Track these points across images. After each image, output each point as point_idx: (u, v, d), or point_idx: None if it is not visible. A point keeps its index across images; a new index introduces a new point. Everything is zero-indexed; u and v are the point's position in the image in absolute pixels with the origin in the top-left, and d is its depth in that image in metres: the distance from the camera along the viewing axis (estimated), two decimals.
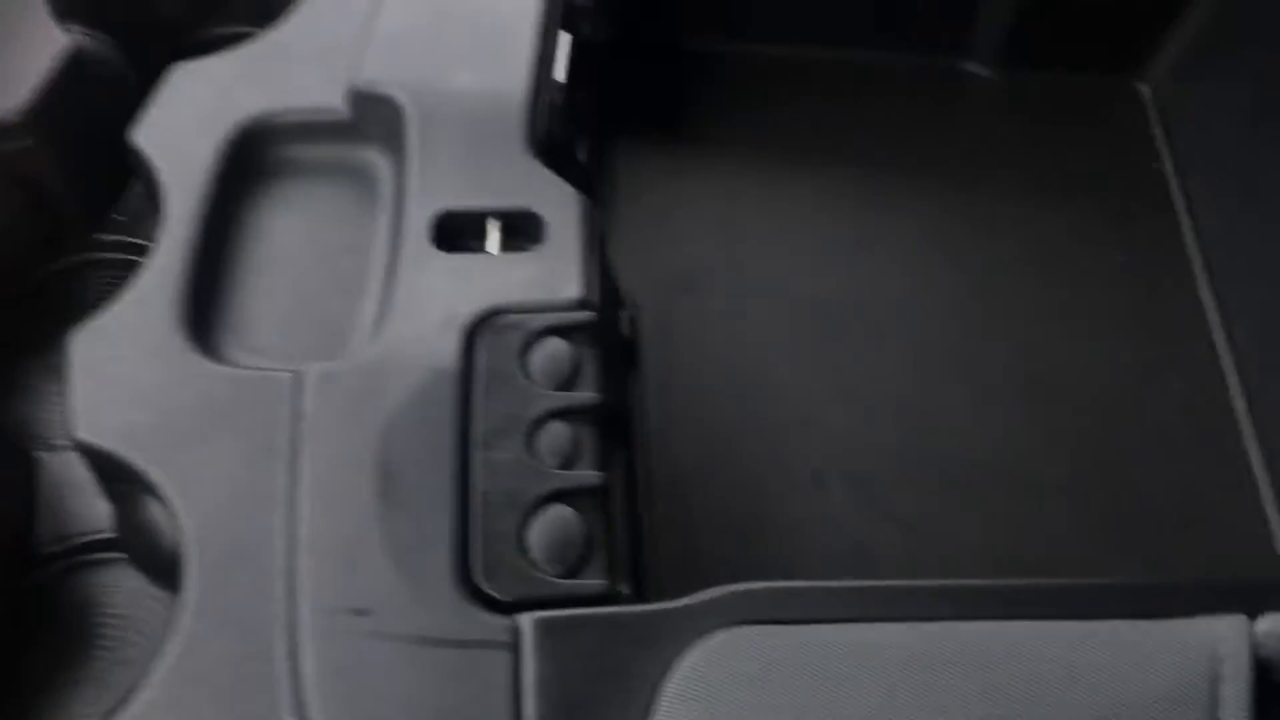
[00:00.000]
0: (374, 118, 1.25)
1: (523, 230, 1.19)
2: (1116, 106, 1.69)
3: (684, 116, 1.66)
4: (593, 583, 0.95)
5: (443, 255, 1.14)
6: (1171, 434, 1.41)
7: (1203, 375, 1.45)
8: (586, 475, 1.00)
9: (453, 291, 1.11)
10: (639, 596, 1.20)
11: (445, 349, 1.07)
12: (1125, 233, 1.58)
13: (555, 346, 1.08)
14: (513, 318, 1.10)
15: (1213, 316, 1.48)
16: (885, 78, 1.70)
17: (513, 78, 1.25)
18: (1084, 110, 1.70)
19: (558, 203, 1.18)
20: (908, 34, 1.70)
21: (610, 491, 1.01)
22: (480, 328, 1.09)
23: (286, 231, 1.25)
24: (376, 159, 1.28)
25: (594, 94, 1.51)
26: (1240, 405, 1.42)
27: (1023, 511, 1.33)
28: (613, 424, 1.24)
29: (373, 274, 1.20)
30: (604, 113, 1.59)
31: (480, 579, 0.94)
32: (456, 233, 1.18)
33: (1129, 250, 1.56)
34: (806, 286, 1.50)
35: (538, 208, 1.17)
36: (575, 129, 1.38)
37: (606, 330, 1.13)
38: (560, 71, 1.31)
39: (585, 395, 1.05)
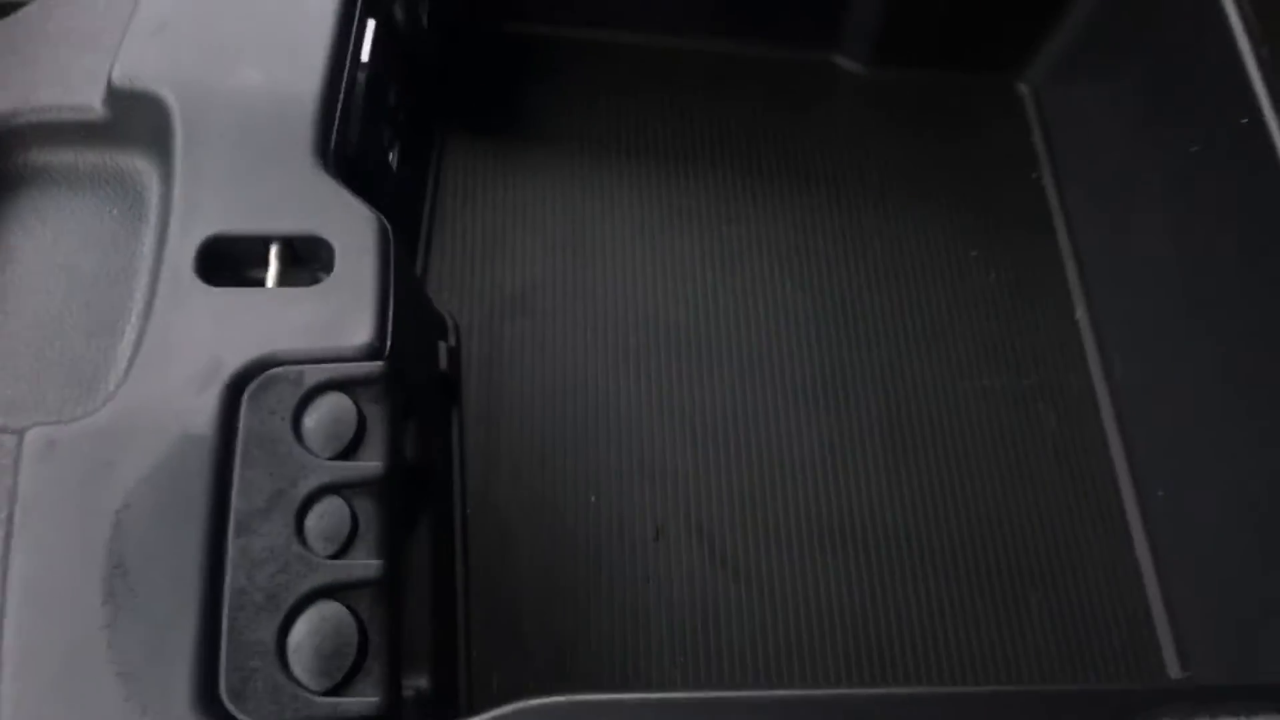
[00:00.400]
0: (136, 119, 1.07)
1: (308, 259, 1.04)
2: (994, 108, 1.59)
3: (523, 113, 1.51)
4: (364, 701, 0.82)
5: (209, 290, 0.98)
6: (1042, 478, 1.32)
7: (1076, 409, 1.37)
8: (363, 565, 0.86)
9: (217, 336, 0.96)
10: (444, 695, 1.08)
11: (201, 409, 0.91)
12: (1000, 248, 1.48)
13: (336, 405, 0.94)
14: (287, 369, 0.94)
15: (1089, 343, 1.41)
16: (747, 71, 1.57)
17: (304, 75, 1.09)
18: (960, 111, 1.60)
19: (350, 227, 1.02)
20: (772, 24, 1.56)
21: (394, 582, 0.88)
22: (247, 382, 0.94)
23: (31, 255, 1.07)
24: (143, 167, 1.11)
25: (414, 89, 1.36)
26: (1115, 444, 1.34)
27: (879, 568, 1.24)
28: (413, 486, 1.11)
29: (134, 310, 1.05)
30: (428, 110, 1.43)
31: (228, 701, 0.80)
32: (228, 262, 1.02)
33: (1003, 268, 1.47)
34: (654, 309, 1.37)
35: (326, 232, 1.02)
36: (386, 132, 1.23)
37: (403, 380, 0.99)
38: (363, 63, 1.15)
39: (368, 465, 0.91)
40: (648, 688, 1.13)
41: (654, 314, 1.36)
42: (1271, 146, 1.14)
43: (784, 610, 1.19)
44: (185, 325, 0.96)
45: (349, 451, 0.92)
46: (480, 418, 1.25)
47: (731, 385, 1.32)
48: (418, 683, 1.00)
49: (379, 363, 0.95)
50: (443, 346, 1.23)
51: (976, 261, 1.46)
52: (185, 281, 0.99)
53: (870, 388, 1.34)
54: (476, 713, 1.09)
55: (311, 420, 0.93)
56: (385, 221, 1.04)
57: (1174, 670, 1.20)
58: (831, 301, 1.39)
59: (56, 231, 1.09)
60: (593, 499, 1.23)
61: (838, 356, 1.35)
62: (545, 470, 1.23)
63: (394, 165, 1.25)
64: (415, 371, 1.14)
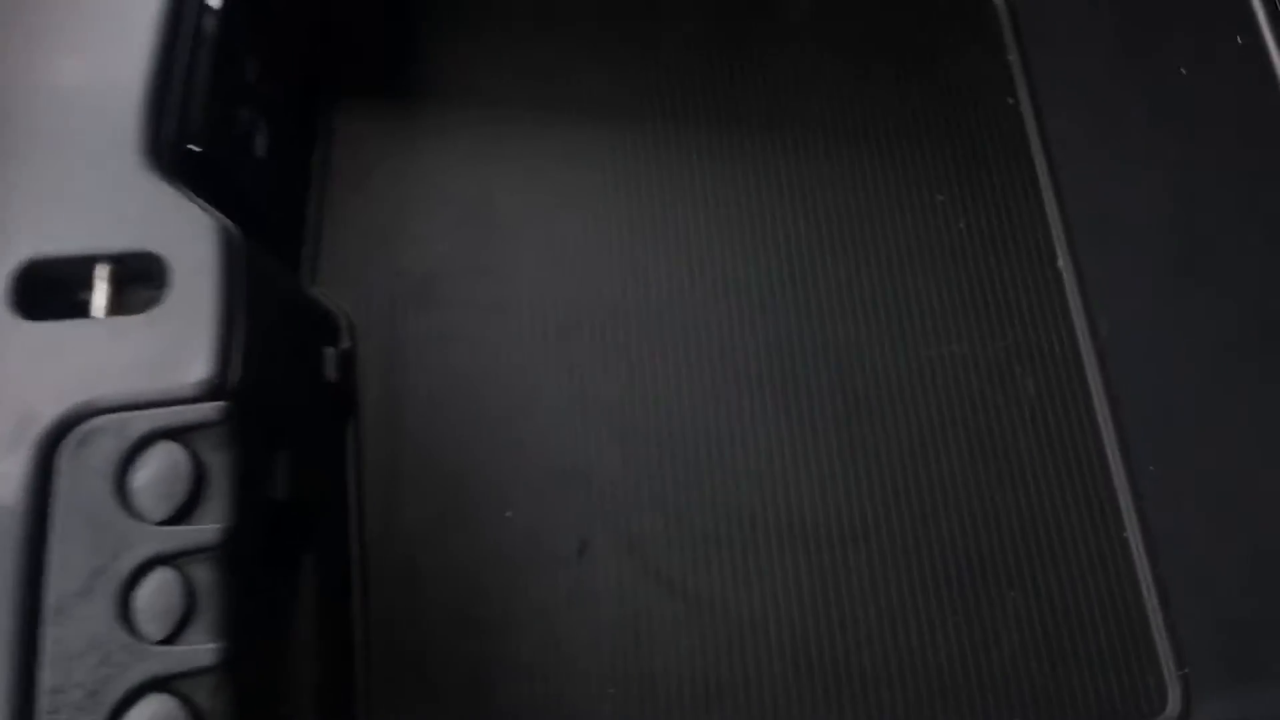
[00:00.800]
0: None
1: (143, 280, 0.93)
2: (963, 25, 1.42)
3: (422, 71, 1.36)
4: None
5: (24, 325, 0.87)
6: (1020, 454, 1.19)
7: (1058, 374, 1.23)
8: (200, 650, 0.77)
9: (32, 381, 0.85)
10: None
11: (9, 475, 0.82)
12: (971, 191, 1.32)
13: (168, 457, 0.84)
14: (110, 418, 0.85)
15: (1073, 297, 1.26)
16: (677, 3, 1.39)
17: (129, 58, 0.96)
18: (923, 31, 1.42)
19: (188, 239, 0.91)
20: None
21: (239, 665, 0.79)
22: (64, 436, 0.84)
23: None
24: None
25: (285, 56, 1.22)
26: (1102, 413, 1.21)
27: (832, 572, 1.13)
28: (290, 527, 1.02)
29: None
30: (308, 78, 1.29)
31: None
32: (50, 289, 0.91)
33: (974, 213, 1.31)
34: (575, 289, 1.24)
35: (159, 247, 0.91)
36: (244, 114, 1.10)
37: (258, 415, 0.89)
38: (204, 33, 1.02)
39: (205, 529, 0.81)
40: None
41: (575, 295, 1.23)
42: (1271, 67, 1.00)
43: (725, 626, 1.09)
44: None
45: (185, 513, 0.82)
46: (380, 429, 1.14)
47: (665, 373, 1.20)
48: None
49: (220, 403, 0.85)
50: (332, 353, 1.12)
51: (944, 207, 1.31)
52: None
53: (823, 364, 1.21)
54: None
55: (140, 478, 0.82)
56: (232, 227, 0.93)
57: (1169, 668, 1.10)
58: (778, 266, 1.25)
59: None
60: (508, 514, 1.13)
61: (786, 330, 1.22)
62: (454, 484, 1.13)
63: (260, 151, 1.12)
64: (288, 393, 1.03)
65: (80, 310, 0.89)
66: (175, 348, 0.85)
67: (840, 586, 1.11)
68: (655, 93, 1.35)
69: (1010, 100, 1.37)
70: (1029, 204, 1.31)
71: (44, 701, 0.73)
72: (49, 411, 0.82)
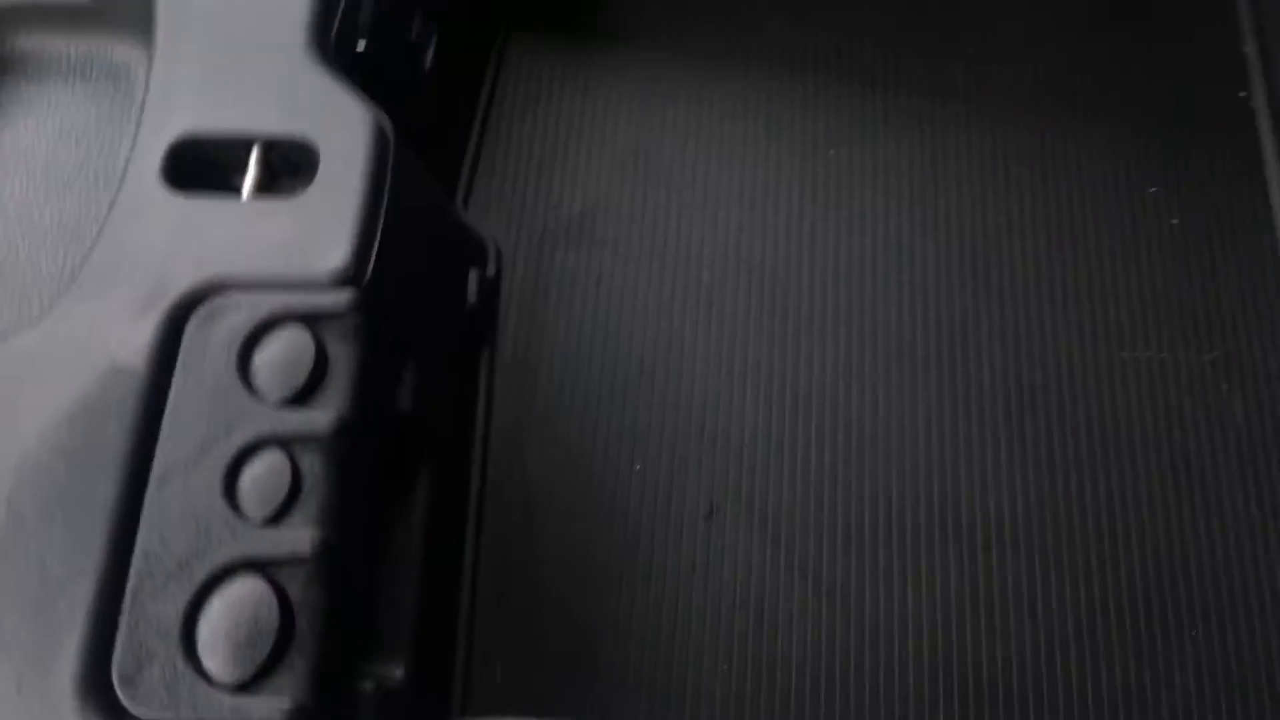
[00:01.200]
0: (122, 2, 1.00)
1: (295, 166, 0.93)
2: (1199, 6, 1.30)
3: (601, 6, 1.34)
4: (276, 703, 0.72)
5: (172, 198, 0.89)
6: (1218, 482, 1.08)
7: (1272, 397, 1.11)
8: (298, 537, 0.76)
9: (171, 251, 0.86)
10: (428, 687, 0.97)
11: (136, 337, 0.83)
12: (1188, 186, 1.22)
13: (293, 340, 0.83)
14: (242, 296, 0.85)
15: None
16: None
17: None
18: (1153, 8, 1.31)
19: (342, 129, 0.91)
20: None
21: (335, 559, 0.77)
22: (194, 308, 0.85)
23: (9, 148, 1.01)
24: (134, 57, 1.03)
25: None
26: None
27: (988, 579, 1.04)
28: (408, 441, 1.00)
29: (104, 217, 0.98)
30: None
31: (118, 686, 0.72)
32: (203, 167, 0.93)
33: (1190, 211, 1.21)
34: (734, 243, 1.19)
35: (312, 135, 0.91)
36: (416, 23, 1.10)
37: (388, 314, 0.87)
38: None
39: (320, 416, 0.80)
40: (682, 695, 1.00)
41: (734, 249, 1.19)
42: None
43: (859, 620, 1.02)
44: (139, 237, 0.87)
45: (303, 397, 0.81)
46: (515, 362, 1.12)
47: (820, 340, 1.14)
48: (390, 671, 0.90)
49: (350, 292, 0.84)
50: (475, 277, 1.11)
51: (1156, 200, 1.21)
52: (148, 187, 0.90)
53: (999, 352, 1.13)
54: (470, 710, 1.00)
55: (262, 357, 0.82)
56: (387, 122, 0.93)
57: None
58: (959, 244, 1.18)
59: (40, 125, 1.03)
60: (637, 466, 1.09)
61: (961, 312, 1.15)
62: (585, 428, 1.10)
63: (428, 65, 1.12)
64: (424, 306, 1.02)
65: (228, 188, 0.91)
66: (314, 234, 0.85)
67: (994, 596, 1.03)
68: (841, 48, 1.31)
69: (1242, 94, 1.27)
70: (1253, 207, 1.19)
71: (138, 564, 0.73)
72: (183, 281, 0.83)
